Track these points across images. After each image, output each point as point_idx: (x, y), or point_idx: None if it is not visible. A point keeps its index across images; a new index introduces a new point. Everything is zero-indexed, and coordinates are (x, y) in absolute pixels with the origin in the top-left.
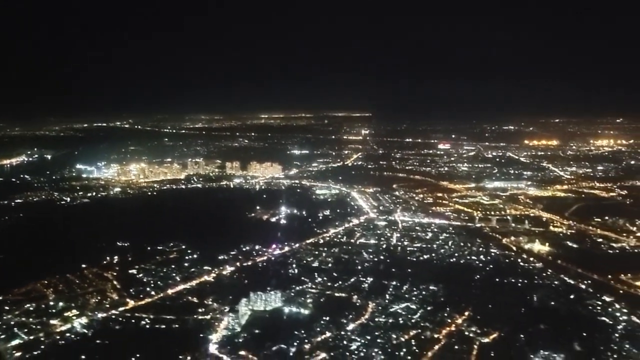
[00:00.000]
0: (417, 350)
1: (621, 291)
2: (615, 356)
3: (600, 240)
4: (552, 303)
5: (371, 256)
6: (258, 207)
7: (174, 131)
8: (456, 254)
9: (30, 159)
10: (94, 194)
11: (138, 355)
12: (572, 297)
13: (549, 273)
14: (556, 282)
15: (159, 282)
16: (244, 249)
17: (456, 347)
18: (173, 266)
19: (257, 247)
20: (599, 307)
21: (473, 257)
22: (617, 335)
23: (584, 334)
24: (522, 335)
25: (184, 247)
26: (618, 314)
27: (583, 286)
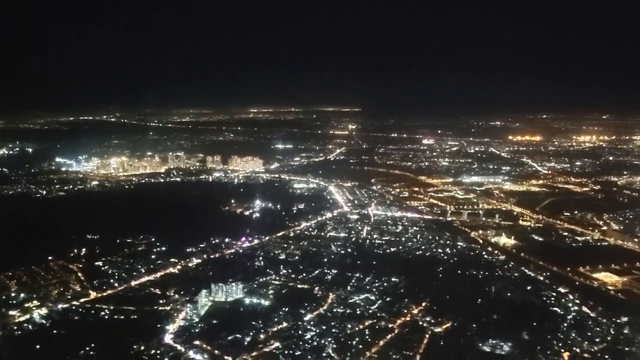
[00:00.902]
0: (369, 340)
1: (577, 283)
2: (560, 344)
3: (565, 233)
4: (509, 294)
5: (339, 249)
6: (233, 201)
7: (160, 125)
8: (423, 247)
9: (11, 152)
10: (71, 187)
11: (92, 345)
12: (529, 288)
13: (510, 265)
14: (516, 274)
15: (123, 274)
16: (213, 242)
17: (408, 336)
18: (140, 258)
19: (226, 240)
20: (553, 298)
21: (439, 250)
22: (565, 324)
23: (534, 324)
24: (474, 325)
25: (153, 239)
26: (570, 305)
27: (541, 278)
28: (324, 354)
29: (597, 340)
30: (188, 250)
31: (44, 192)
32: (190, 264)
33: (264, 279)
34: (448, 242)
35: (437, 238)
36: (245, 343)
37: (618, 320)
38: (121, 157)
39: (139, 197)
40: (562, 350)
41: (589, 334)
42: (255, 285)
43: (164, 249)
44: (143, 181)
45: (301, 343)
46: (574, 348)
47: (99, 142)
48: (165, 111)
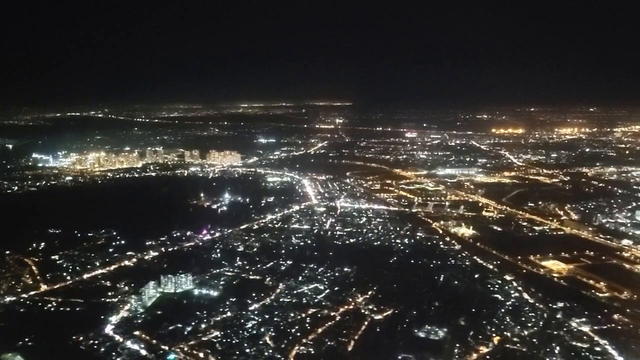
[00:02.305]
0: (308, 327)
1: (524, 270)
2: (493, 329)
3: (525, 223)
4: (456, 282)
5: (299, 241)
6: (202, 195)
7: (147, 121)
8: (382, 238)
9: None
10: (44, 182)
11: (32, 336)
12: (476, 276)
13: (464, 254)
14: (467, 263)
15: (77, 268)
16: (174, 235)
17: (347, 323)
18: (97, 252)
19: (188, 233)
20: (497, 286)
21: (397, 241)
22: (503, 310)
23: (473, 310)
24: (414, 312)
25: (114, 233)
26: (512, 292)
27: (491, 266)
28: (260, 342)
29: (529, 325)
30: (147, 243)
31: (16, 187)
32: (146, 257)
33: (218, 270)
34: (408, 233)
35: (397, 229)
36: (185, 333)
37: (554, 306)
38: (100, 152)
39: (108, 192)
40: (493, 335)
41: (523, 319)
42: (207, 277)
43: (123, 242)
44: (117, 176)
45: (240, 332)
46: (505, 332)
47: (81, 138)
48: (155, 107)
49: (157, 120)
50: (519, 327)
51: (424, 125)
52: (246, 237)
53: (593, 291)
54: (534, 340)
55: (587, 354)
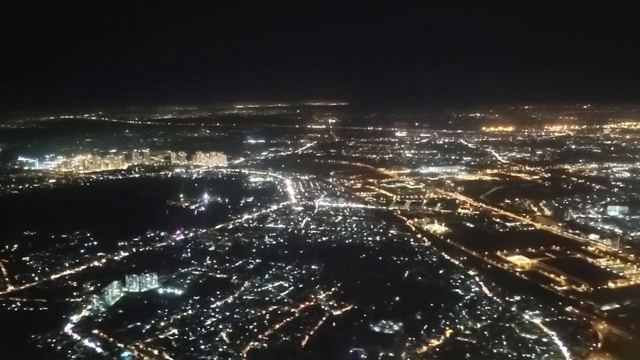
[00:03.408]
0: (266, 324)
1: (489, 266)
2: (447, 323)
3: (498, 220)
4: (419, 278)
5: (271, 240)
6: (182, 195)
7: (140, 123)
8: (354, 236)
9: None
10: (27, 185)
11: None
12: (440, 272)
13: (432, 251)
14: (434, 259)
15: (46, 268)
16: (148, 235)
17: (304, 320)
18: (68, 253)
19: (162, 233)
20: (459, 281)
21: (369, 238)
22: (460, 304)
23: (431, 305)
24: (373, 307)
25: (88, 234)
26: (473, 286)
27: (457, 262)
28: (216, 339)
29: (483, 318)
30: (119, 244)
31: None
32: (116, 258)
33: (186, 269)
34: (381, 230)
35: (371, 227)
36: (143, 331)
37: (510, 300)
38: (87, 155)
39: (88, 194)
40: (446, 328)
41: (478, 312)
42: (173, 276)
43: (95, 243)
44: (101, 178)
45: (198, 329)
46: (459, 326)
47: (71, 140)
48: (150, 109)
49: (149, 123)
50: (472, 320)
51: (416, 124)
52: (219, 237)
53: (552, 285)
54: (485, 332)
55: (534, 345)
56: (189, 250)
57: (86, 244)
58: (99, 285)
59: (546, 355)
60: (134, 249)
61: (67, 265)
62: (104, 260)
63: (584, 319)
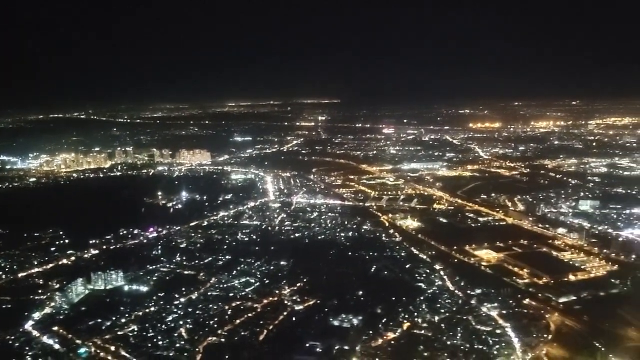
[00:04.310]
0: (227, 319)
1: (456, 260)
2: (407, 316)
3: (471, 215)
4: (386, 273)
5: (244, 237)
6: (160, 193)
7: (129, 121)
8: (328, 232)
9: None
10: (7, 185)
11: None
12: (407, 266)
13: (402, 246)
14: (403, 254)
15: (15, 267)
16: (121, 233)
17: (266, 315)
18: (39, 251)
19: (135, 231)
20: (424, 275)
21: (342, 234)
22: (421, 298)
23: (393, 299)
24: (336, 302)
25: (61, 233)
26: (437, 281)
27: (425, 257)
28: (175, 335)
29: (442, 311)
30: (91, 242)
31: None
32: (86, 256)
33: (154, 267)
34: (355, 226)
35: (346, 223)
36: (104, 328)
37: (471, 293)
38: (71, 153)
39: (66, 193)
40: (405, 322)
41: (438, 306)
42: (141, 273)
43: (67, 241)
44: (82, 177)
45: (158, 325)
46: (417, 319)
47: (57, 139)
48: (141, 107)
49: (139, 121)
50: (431, 313)
51: (405, 121)
52: (193, 234)
53: (514, 278)
54: (442, 325)
55: (487, 337)
56: (159, 247)
57: (58, 243)
58: (65, 283)
59: (497, 347)
60: (104, 247)
61: (36, 263)
62: (73, 259)
63: (540, 311)
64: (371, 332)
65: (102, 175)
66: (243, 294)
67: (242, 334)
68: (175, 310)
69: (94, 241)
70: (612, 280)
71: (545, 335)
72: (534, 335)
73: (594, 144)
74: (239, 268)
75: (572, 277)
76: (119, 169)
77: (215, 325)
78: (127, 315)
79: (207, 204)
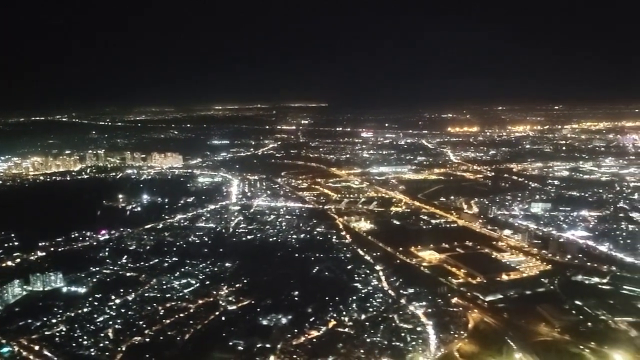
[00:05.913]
0: (157, 319)
1: (398, 261)
2: (335, 315)
3: (425, 217)
4: (326, 273)
5: (196, 238)
6: (121, 196)
7: (110, 124)
8: (280, 234)
9: None
10: None
11: None
12: (349, 267)
13: (350, 248)
14: (348, 255)
15: None
16: (72, 235)
17: (197, 315)
18: None
19: (87, 233)
20: (362, 275)
21: (294, 236)
22: (354, 298)
23: (326, 298)
24: (269, 302)
25: (12, 235)
26: (374, 281)
27: (368, 258)
28: (101, 335)
29: (371, 310)
30: (40, 244)
31: None
32: (31, 257)
33: (97, 268)
34: (308, 228)
35: (300, 225)
36: (32, 328)
37: (404, 292)
38: (41, 156)
39: (26, 195)
40: (331, 320)
41: (368, 305)
42: (82, 275)
43: (16, 243)
44: (48, 180)
45: (87, 326)
46: (343, 317)
47: (31, 142)
48: (126, 110)
49: (120, 124)
50: (359, 312)
51: (386, 125)
52: (145, 236)
53: (450, 278)
54: (367, 323)
55: (406, 334)
56: (107, 249)
57: (6, 245)
58: (3, 285)
59: (414, 343)
60: (52, 249)
61: None
62: (18, 260)
63: (464, 309)
64: (296, 331)
65: (68, 178)
66: (180, 294)
67: (169, 333)
68: (108, 310)
69: (42, 243)
70: (542, 280)
71: (462, 332)
72: (451, 332)
73: (563, 148)
74: (182, 269)
75: (504, 277)
76: (88, 171)
77: (144, 325)
78: (58, 316)
79: (166, 207)
